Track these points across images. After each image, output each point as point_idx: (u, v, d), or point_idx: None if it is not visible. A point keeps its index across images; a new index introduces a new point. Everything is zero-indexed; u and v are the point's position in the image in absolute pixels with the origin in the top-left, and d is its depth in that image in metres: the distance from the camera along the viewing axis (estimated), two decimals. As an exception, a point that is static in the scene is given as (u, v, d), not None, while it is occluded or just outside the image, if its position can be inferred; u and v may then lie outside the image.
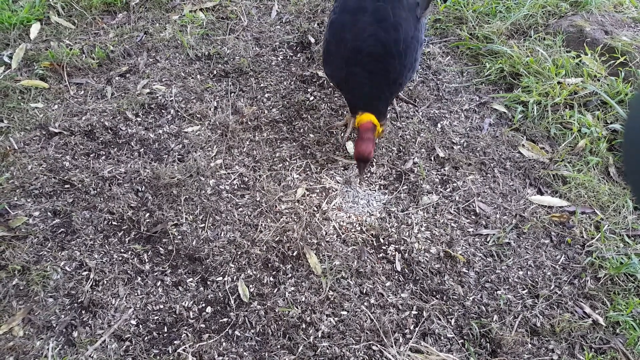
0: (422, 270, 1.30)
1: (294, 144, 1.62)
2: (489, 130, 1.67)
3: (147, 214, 1.39)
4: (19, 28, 1.91)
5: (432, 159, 1.58)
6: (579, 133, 1.63)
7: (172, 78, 1.80)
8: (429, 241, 1.37)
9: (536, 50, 1.84)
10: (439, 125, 1.68)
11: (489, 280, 1.29)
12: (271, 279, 1.27)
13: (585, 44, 1.85)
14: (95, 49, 1.86)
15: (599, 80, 1.77)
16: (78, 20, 1.99)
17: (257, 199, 1.45)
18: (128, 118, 1.65)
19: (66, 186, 1.44)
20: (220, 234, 1.36)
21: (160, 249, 1.32)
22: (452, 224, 1.41)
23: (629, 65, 1.76)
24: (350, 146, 1.61)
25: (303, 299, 1.22)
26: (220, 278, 1.26)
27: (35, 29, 1.90)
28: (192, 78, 1.81)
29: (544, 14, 2.02)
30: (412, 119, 1.70)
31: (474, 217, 1.43)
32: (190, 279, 1.26)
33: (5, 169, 1.47)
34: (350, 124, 1.60)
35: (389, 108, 1.55)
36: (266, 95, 1.76)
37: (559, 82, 1.74)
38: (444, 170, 1.55)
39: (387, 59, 1.31)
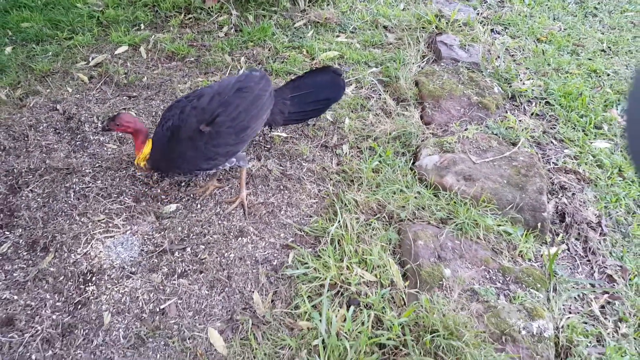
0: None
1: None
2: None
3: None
4: (113, 43, 2.92)
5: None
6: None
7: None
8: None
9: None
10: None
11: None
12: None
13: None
14: (131, 74, 2.69)
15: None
16: (151, 57, 2.88)
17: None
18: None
19: None
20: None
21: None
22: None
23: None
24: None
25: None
26: None
27: (122, 49, 2.88)
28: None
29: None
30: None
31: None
32: None
33: None
34: (210, 188, 2.02)
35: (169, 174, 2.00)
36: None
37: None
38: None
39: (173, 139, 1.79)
